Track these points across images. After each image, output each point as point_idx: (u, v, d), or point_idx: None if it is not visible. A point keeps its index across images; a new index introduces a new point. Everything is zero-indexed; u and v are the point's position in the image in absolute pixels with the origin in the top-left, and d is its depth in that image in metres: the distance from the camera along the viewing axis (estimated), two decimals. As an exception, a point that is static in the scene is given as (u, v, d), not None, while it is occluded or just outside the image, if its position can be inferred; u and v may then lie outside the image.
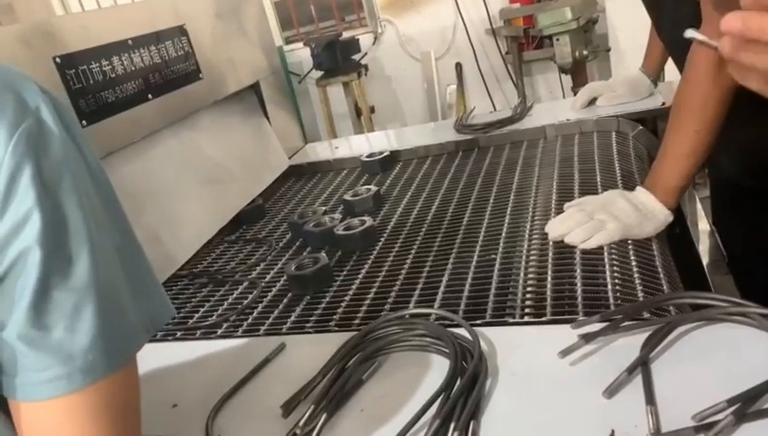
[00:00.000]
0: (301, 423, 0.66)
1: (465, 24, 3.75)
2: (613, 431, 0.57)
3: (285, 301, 1.00)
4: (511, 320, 0.81)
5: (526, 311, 0.83)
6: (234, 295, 1.07)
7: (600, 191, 1.09)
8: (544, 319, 0.79)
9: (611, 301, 0.80)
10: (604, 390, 0.62)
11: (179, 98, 1.40)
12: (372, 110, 3.77)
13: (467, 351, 0.72)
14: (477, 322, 0.80)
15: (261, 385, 0.78)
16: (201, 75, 1.48)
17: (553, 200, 1.14)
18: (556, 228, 0.97)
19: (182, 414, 0.75)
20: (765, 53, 0.43)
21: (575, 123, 1.48)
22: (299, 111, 3.96)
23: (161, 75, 1.35)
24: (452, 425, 0.61)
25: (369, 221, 1.16)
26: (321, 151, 1.90)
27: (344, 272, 1.05)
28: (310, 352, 0.80)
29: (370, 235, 1.15)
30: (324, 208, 1.34)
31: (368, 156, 1.58)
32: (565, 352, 0.68)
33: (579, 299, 0.82)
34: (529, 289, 0.88)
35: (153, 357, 0.90)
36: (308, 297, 0.99)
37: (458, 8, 3.72)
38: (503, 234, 1.06)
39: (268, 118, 1.79)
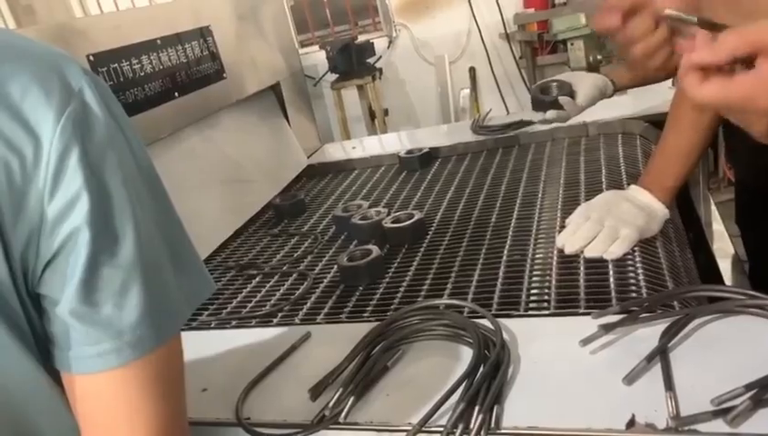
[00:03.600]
0: (330, 405, 0.69)
1: (479, 29, 3.78)
2: (633, 416, 0.59)
3: (338, 292, 1.01)
4: (533, 312, 0.84)
5: (545, 303, 0.86)
6: (285, 286, 1.09)
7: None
8: (564, 311, 0.81)
9: (612, 296, 0.83)
10: (624, 377, 0.64)
11: (203, 97, 1.43)
12: (386, 113, 3.80)
13: (490, 340, 0.74)
14: (500, 313, 0.83)
15: (290, 370, 0.80)
16: (224, 75, 1.52)
17: (577, 197, 1.16)
18: (571, 242, 0.96)
19: (212, 398, 0.78)
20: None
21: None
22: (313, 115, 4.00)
23: (186, 75, 1.38)
24: (476, 408, 0.63)
25: (417, 214, 1.17)
26: (338, 151, 1.93)
27: (395, 265, 1.06)
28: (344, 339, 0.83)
29: (420, 229, 1.16)
30: (368, 202, 1.35)
31: (407, 153, 1.60)
32: (585, 341, 0.70)
33: (582, 292, 0.85)
34: (552, 283, 0.90)
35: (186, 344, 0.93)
36: (360, 288, 1.00)
37: (473, 13, 3.75)
38: (533, 231, 1.08)
39: (287, 118, 1.82)
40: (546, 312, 0.83)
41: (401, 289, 0.98)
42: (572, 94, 1.27)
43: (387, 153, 1.72)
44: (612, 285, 0.86)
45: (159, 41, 1.31)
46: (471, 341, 0.75)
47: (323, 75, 3.82)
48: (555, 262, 0.95)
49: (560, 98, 1.27)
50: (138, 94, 1.23)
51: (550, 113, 1.29)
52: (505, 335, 0.76)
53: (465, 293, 0.92)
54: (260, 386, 0.78)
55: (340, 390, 0.70)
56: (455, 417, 0.63)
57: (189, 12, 1.44)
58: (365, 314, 0.93)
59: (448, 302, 0.85)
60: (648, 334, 0.70)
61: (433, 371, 0.74)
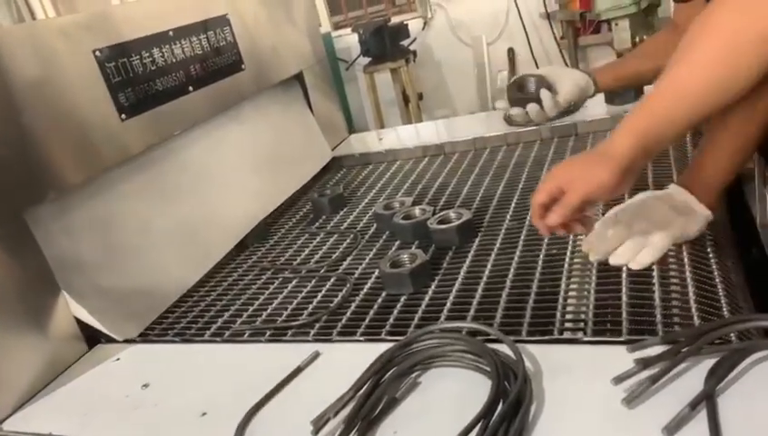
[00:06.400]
0: (331, 445, 0.62)
1: (518, 8, 3.62)
2: (673, 476, 0.51)
3: (379, 300, 0.93)
4: (556, 336, 0.75)
5: (568, 325, 0.77)
6: (323, 292, 1.01)
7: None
8: (594, 339, 0.72)
9: (657, 319, 0.73)
10: (663, 426, 0.55)
11: (220, 90, 1.37)
12: (420, 97, 3.70)
13: (510, 370, 0.67)
14: (519, 337, 0.75)
15: (295, 396, 0.75)
16: (243, 66, 1.46)
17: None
18: (597, 248, 0.85)
19: (211, 424, 0.73)
20: None
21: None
22: (346, 99, 3.92)
23: (202, 67, 1.33)
24: (492, 457, 0.56)
25: (466, 214, 1.08)
26: (365, 141, 1.85)
27: (441, 271, 0.98)
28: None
29: (469, 230, 1.07)
30: (411, 198, 1.26)
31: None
32: (619, 379, 0.61)
33: (626, 315, 0.75)
34: (590, 301, 0.81)
35: (183, 358, 0.88)
36: (404, 297, 0.92)
37: (512, -9, 3.59)
38: (570, 242, 0.97)
39: (311, 108, 1.75)
40: (581, 339, 0.74)
41: (424, 304, 0.89)
42: (551, 91, 1.17)
43: (426, 144, 1.61)
44: (657, 307, 0.76)
45: (171, 33, 1.26)
46: (489, 370, 0.67)
47: (355, 59, 3.73)
48: (594, 276, 0.86)
49: (541, 92, 1.16)
50: (149, 89, 1.18)
51: (531, 107, 1.18)
52: (529, 365, 0.68)
53: (493, 310, 0.84)
54: (262, 413, 0.73)
55: (343, 426, 0.64)
56: (467, 466, 0.56)
57: (205, 1, 1.38)
58: (382, 331, 0.85)
59: (467, 325, 0.77)
60: (693, 372, 0.61)
61: (447, 404, 0.67)
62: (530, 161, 1.37)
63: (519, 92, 1.20)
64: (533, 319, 0.79)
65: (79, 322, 0.97)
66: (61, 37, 1.03)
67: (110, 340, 0.99)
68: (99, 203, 1.08)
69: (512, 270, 0.93)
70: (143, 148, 1.16)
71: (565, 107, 1.20)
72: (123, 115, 1.11)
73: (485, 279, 0.92)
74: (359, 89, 4.05)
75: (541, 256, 0.94)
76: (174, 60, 1.25)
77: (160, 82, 1.21)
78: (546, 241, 0.98)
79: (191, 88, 1.29)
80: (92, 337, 0.99)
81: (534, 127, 1.47)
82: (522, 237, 1.02)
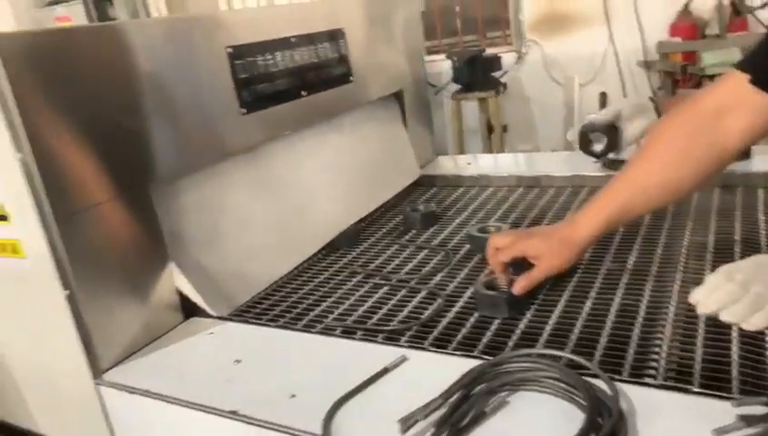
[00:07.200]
0: (420, 447, 0.64)
1: (616, 53, 3.59)
2: None
3: (472, 320, 0.94)
4: (653, 381, 0.74)
5: (670, 374, 0.76)
6: (413, 303, 1.03)
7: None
8: (697, 390, 0.71)
9: (775, 381, 0.71)
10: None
11: (328, 98, 1.44)
12: (505, 129, 3.71)
13: (605, 406, 0.67)
14: (617, 376, 0.74)
15: (381, 394, 0.77)
16: (351, 78, 1.52)
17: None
18: (706, 302, 0.84)
19: (301, 406, 0.76)
20: None
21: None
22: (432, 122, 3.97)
23: (316, 74, 1.39)
24: (583, 486, 0.56)
25: None
26: (455, 163, 1.88)
27: (537, 301, 0.96)
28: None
29: None
30: (507, 225, 1.26)
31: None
32: (720, 432, 0.60)
33: (735, 372, 0.73)
34: (676, 351, 0.80)
35: (274, 341, 0.92)
36: (497, 321, 0.92)
37: (612, 36, 3.56)
38: (675, 283, 0.97)
39: (405, 126, 1.80)
40: (682, 387, 0.72)
41: (519, 330, 0.90)
42: (617, 136, 1.30)
43: (521, 174, 1.61)
44: (754, 367, 0.74)
45: (293, 39, 1.33)
46: (584, 403, 0.67)
47: (445, 85, 3.79)
48: (702, 326, 0.84)
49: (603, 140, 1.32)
50: (268, 88, 1.25)
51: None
52: (624, 405, 0.67)
53: (592, 347, 0.83)
54: (349, 404, 0.75)
55: (433, 430, 0.66)
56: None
57: (324, 13, 1.46)
58: (474, 349, 0.86)
59: (565, 355, 0.77)
60: (802, 438, 0.60)
61: (536, 428, 0.67)
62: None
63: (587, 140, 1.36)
64: (634, 362, 0.78)
65: (179, 294, 1.04)
66: (199, 32, 1.11)
67: (203, 315, 1.05)
68: (210, 188, 1.15)
69: (613, 310, 0.92)
70: (257, 143, 1.23)
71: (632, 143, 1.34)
72: (244, 110, 1.18)
73: (584, 315, 0.91)
74: (444, 114, 4.09)
75: (644, 301, 0.93)
76: (293, 64, 1.32)
77: (279, 83, 1.28)
78: (649, 286, 0.97)
79: (303, 93, 1.36)
80: (187, 310, 1.05)
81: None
82: (624, 280, 1.01)
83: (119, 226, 0.95)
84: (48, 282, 0.90)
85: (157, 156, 1.00)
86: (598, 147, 1.38)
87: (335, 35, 1.46)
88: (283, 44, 1.30)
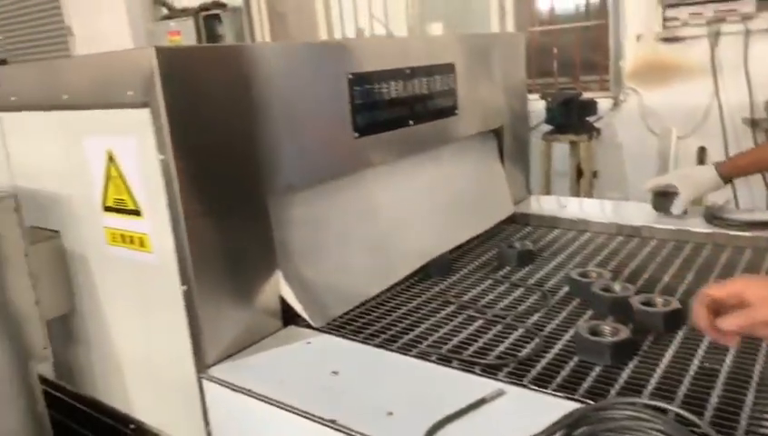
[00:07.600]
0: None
1: (720, 108, 3.45)
2: None
3: (571, 363, 0.93)
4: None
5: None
6: (510, 339, 1.03)
7: None
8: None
9: None
10: None
11: (433, 129, 1.48)
12: (595, 175, 3.63)
13: (713, 468, 0.65)
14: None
15: (477, 424, 0.77)
16: (456, 111, 1.55)
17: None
18: None
19: (397, 425, 0.78)
20: None
21: None
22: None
23: (424, 105, 1.44)
24: None
25: (674, 302, 1.04)
26: (549, 204, 1.87)
27: (641, 352, 0.95)
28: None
29: (675, 318, 1.02)
30: (609, 272, 1.24)
31: None
32: None
33: None
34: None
35: (371, 358, 0.95)
36: (599, 367, 0.91)
37: (717, 90, 3.44)
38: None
39: (503, 163, 1.81)
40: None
41: (622, 379, 0.88)
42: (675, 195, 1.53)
43: (622, 223, 1.58)
44: None
45: (408, 70, 1.38)
46: (689, 462, 0.65)
47: (538, 124, 3.77)
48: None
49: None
50: (380, 115, 1.30)
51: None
52: (732, 468, 0.65)
53: (702, 406, 0.80)
54: (448, 428, 0.77)
55: (532, 466, 0.66)
56: None
57: (438, 47, 1.50)
58: (575, 392, 0.85)
59: (674, 408, 0.75)
60: None
61: (636, 480, 0.66)
62: (741, 265, 1.29)
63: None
64: (749, 427, 0.75)
65: (282, 301, 1.09)
66: (327, 57, 1.18)
67: (300, 324, 1.09)
68: (317, 204, 1.21)
69: (724, 369, 0.89)
70: (365, 166, 1.28)
71: (686, 207, 1.54)
72: (357, 134, 1.23)
73: (692, 371, 0.89)
74: (532, 154, 4.06)
75: (758, 364, 0.90)
76: (405, 94, 1.37)
77: (390, 111, 1.33)
78: (764, 347, 0.93)
79: (411, 122, 1.40)
80: (286, 317, 1.09)
81: (749, 234, 1.40)
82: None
83: (237, 231, 1.01)
84: (168, 276, 0.97)
85: (278, 170, 1.06)
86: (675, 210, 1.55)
87: (447, 69, 1.51)
88: (399, 74, 1.35)
